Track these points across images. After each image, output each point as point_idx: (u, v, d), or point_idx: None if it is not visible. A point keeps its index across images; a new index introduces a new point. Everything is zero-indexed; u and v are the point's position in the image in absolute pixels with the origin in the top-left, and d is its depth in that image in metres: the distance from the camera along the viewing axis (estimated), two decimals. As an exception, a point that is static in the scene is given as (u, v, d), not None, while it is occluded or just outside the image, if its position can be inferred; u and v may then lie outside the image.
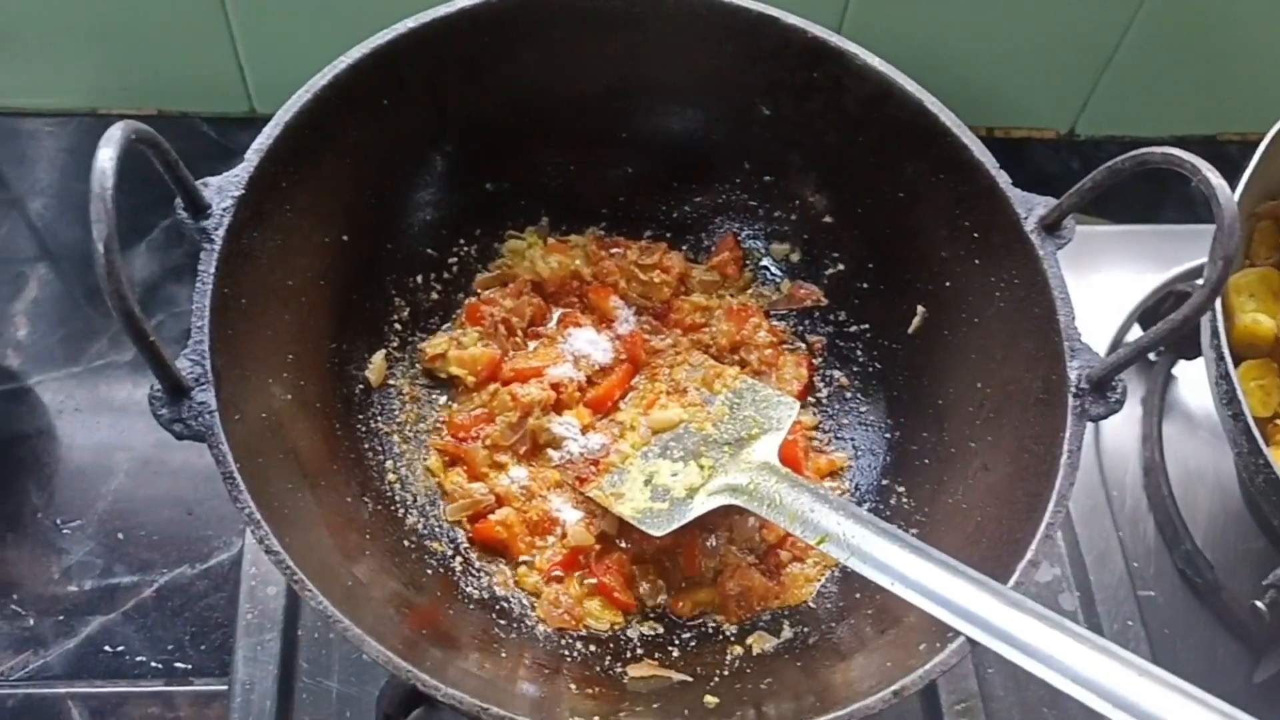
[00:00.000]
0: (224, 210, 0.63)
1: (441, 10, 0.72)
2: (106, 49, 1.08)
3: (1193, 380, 1.00)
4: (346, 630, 0.54)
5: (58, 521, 0.93)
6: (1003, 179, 0.72)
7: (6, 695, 0.85)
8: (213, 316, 0.60)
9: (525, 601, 0.75)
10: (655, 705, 0.65)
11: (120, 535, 0.93)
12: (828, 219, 0.85)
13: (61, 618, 0.89)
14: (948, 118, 0.74)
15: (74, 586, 0.90)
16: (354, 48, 0.70)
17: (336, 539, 0.65)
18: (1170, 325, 0.63)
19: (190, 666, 0.88)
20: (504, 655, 0.68)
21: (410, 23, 0.72)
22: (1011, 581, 0.60)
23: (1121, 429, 0.98)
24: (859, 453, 0.83)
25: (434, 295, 0.84)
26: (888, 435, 0.82)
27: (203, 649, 0.88)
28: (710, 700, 0.65)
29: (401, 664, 0.53)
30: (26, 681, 0.86)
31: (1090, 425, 0.97)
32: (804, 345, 0.87)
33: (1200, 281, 0.61)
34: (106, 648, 0.88)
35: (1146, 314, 1.00)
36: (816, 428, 0.85)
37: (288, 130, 0.67)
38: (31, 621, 0.88)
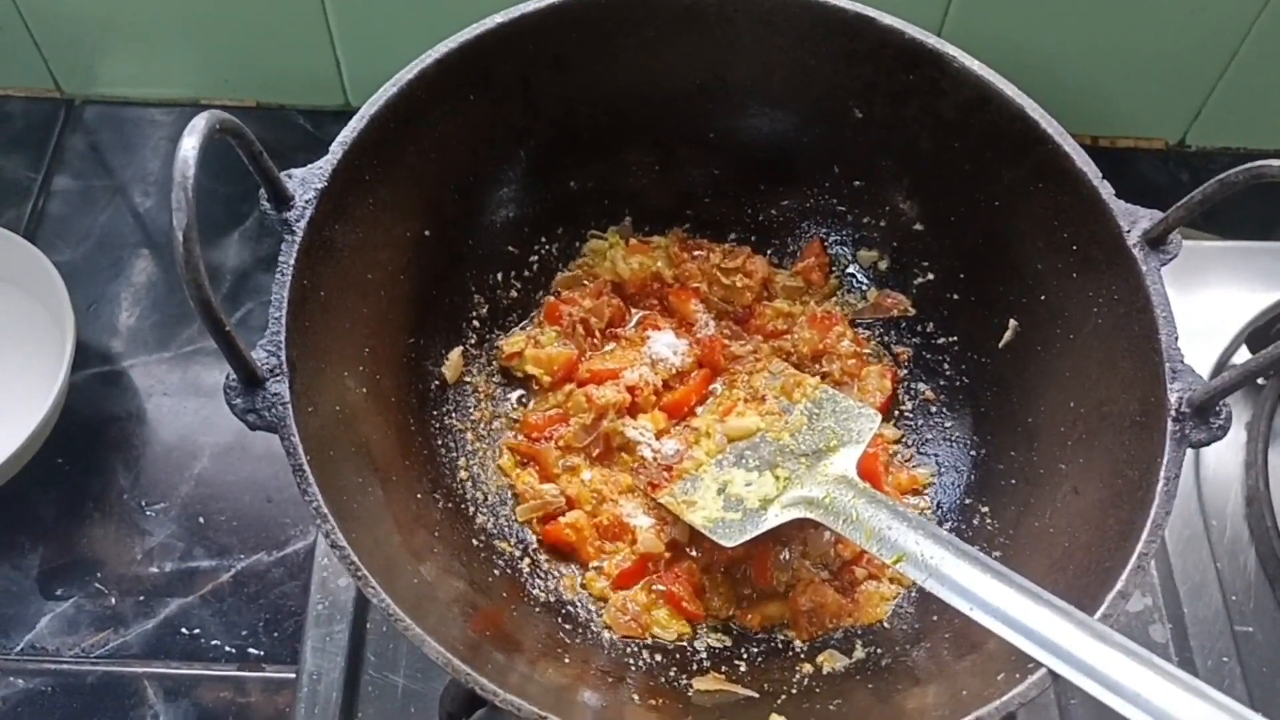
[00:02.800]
0: (306, 202, 0.63)
1: (530, 6, 0.72)
2: (210, 41, 1.11)
3: (1304, 407, 0.95)
4: (408, 629, 0.54)
5: (143, 503, 0.95)
6: (1105, 190, 0.68)
7: (87, 672, 0.87)
8: (291, 308, 0.61)
9: (592, 607, 0.74)
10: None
11: (201, 519, 0.94)
12: (918, 226, 0.82)
13: (142, 598, 0.91)
14: (1049, 125, 0.71)
15: (155, 568, 0.92)
16: (441, 43, 0.70)
17: (404, 536, 0.65)
18: (1285, 350, 0.59)
19: (262, 653, 0.89)
20: (568, 661, 0.67)
21: (499, 18, 0.71)
22: (1099, 613, 0.57)
23: (1224, 455, 0.93)
24: (942, 469, 0.80)
25: (513, 293, 0.84)
26: (973, 453, 0.79)
27: (275, 636, 0.89)
28: (777, 719, 0.63)
29: (461, 666, 0.53)
30: (107, 659, 0.88)
31: (1190, 451, 0.94)
32: (889, 356, 0.85)
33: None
34: (183, 630, 0.90)
35: (1255, 335, 0.95)
36: (899, 442, 0.82)
37: (373, 123, 0.67)
38: (113, 600, 0.91)
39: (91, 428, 0.98)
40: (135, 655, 0.88)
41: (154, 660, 0.88)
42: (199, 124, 0.52)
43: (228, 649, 0.89)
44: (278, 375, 0.58)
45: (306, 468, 0.56)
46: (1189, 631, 0.85)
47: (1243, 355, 0.96)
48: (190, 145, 0.51)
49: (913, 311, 0.85)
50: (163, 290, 1.06)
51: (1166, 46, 1.06)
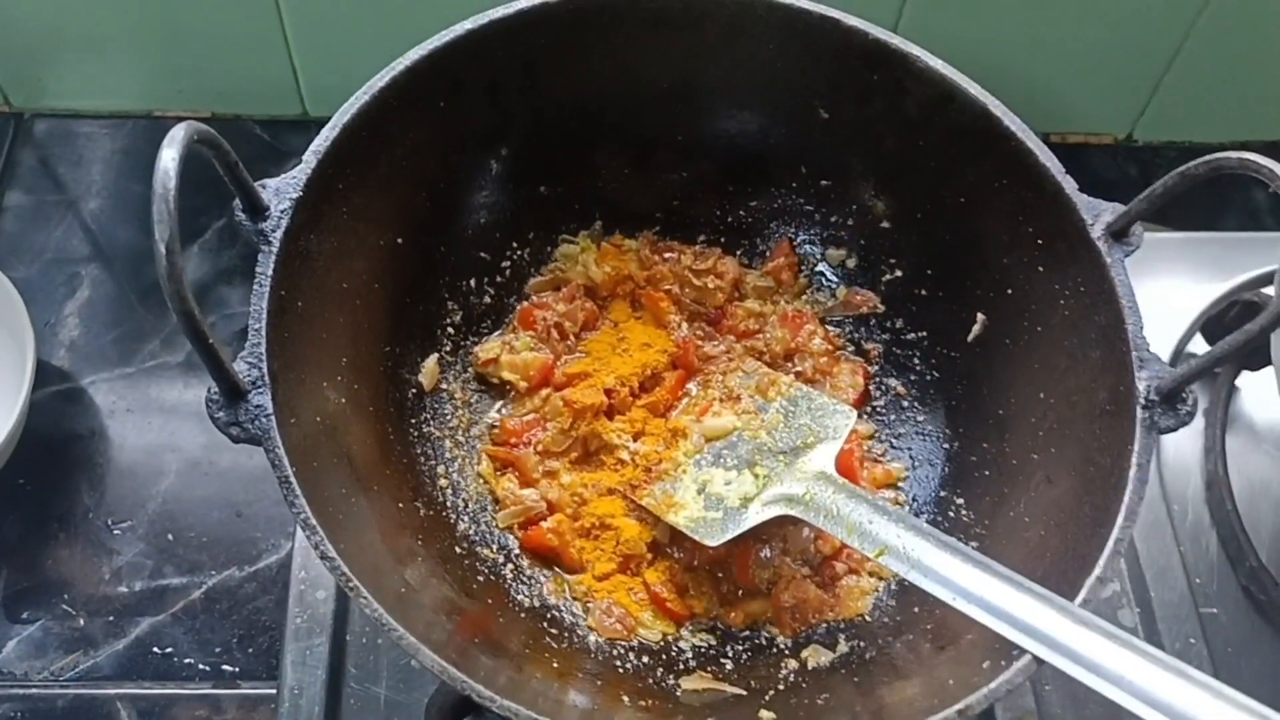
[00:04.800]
0: (282, 212, 0.63)
1: (499, 12, 0.72)
2: (162, 52, 1.09)
3: (1258, 392, 0.97)
4: (401, 638, 0.53)
5: (109, 522, 0.93)
6: (1069, 184, 0.70)
7: (57, 695, 0.86)
8: (270, 319, 0.60)
9: (577, 610, 0.75)
10: (709, 719, 0.64)
11: (170, 536, 0.93)
12: (886, 224, 0.84)
13: (111, 618, 0.89)
14: (1011, 122, 0.72)
15: (124, 587, 0.91)
16: (411, 50, 0.70)
17: (388, 543, 0.65)
18: (1246, 336, 0.61)
19: (238, 669, 0.88)
20: (555, 665, 0.67)
21: (468, 24, 0.71)
22: (1079, 598, 0.59)
23: (1183, 442, 0.96)
24: (916, 463, 0.81)
25: (487, 299, 0.84)
26: (946, 446, 0.81)
27: (250, 652, 0.88)
28: (766, 715, 0.64)
29: (457, 674, 0.53)
30: (77, 682, 0.87)
31: (1150, 438, 0.96)
32: (860, 354, 0.86)
33: (1273, 290, 0.59)
34: (155, 649, 0.88)
35: (1210, 323, 0.98)
36: (872, 437, 0.83)
37: (345, 132, 0.66)
38: (82, 622, 0.89)
39: (53, 447, 0.96)
40: (107, 676, 0.87)
41: (126, 681, 0.87)
42: (178, 135, 0.52)
43: (202, 667, 0.88)
44: (260, 387, 0.58)
45: (293, 479, 0.56)
46: (1156, 615, 0.87)
47: (1198, 343, 0.99)
48: (170, 156, 0.51)
49: (882, 308, 0.86)
50: (121, 306, 1.04)
51: (1113, 43, 1.08)
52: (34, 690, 0.86)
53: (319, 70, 1.10)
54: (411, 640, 0.53)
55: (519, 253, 0.85)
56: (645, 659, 0.72)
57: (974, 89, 0.73)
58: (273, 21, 1.04)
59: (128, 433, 0.98)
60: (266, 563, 0.92)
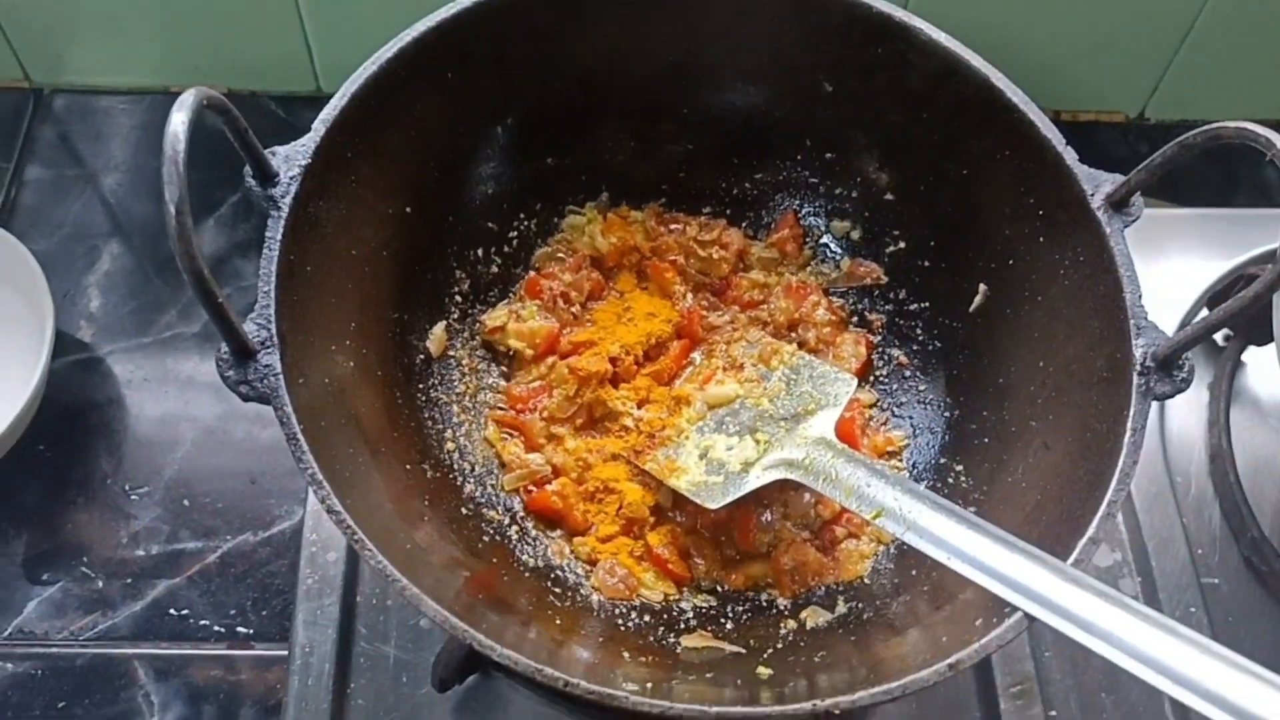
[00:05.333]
0: (291, 179, 0.64)
1: (507, -16, 0.73)
2: (179, 29, 1.11)
3: (1262, 367, 0.98)
4: (405, 589, 0.55)
5: (126, 488, 0.95)
6: (1069, 155, 0.70)
7: (76, 654, 0.88)
8: (279, 282, 0.61)
9: (580, 571, 0.76)
10: (709, 675, 0.66)
11: (185, 502, 0.95)
12: (889, 196, 0.84)
13: (129, 581, 0.91)
14: (1014, 94, 0.73)
15: (141, 551, 0.93)
16: (419, 21, 0.71)
17: (396, 504, 0.66)
18: (1240, 303, 0.62)
19: (251, 631, 0.90)
20: (559, 622, 0.69)
21: (477, -5, 0.72)
22: (1072, 558, 0.59)
23: (1188, 415, 0.96)
24: (917, 431, 0.82)
25: (494, 269, 0.85)
26: (946, 414, 0.82)
27: (264, 614, 0.90)
28: (763, 671, 0.65)
29: (459, 624, 0.54)
30: (95, 641, 0.89)
31: (1155, 411, 0.97)
32: (863, 325, 0.87)
33: (1273, 262, 0.59)
34: (171, 611, 0.90)
35: (1216, 299, 0.98)
36: (874, 405, 0.84)
37: (353, 102, 0.67)
38: (100, 584, 0.91)
39: (71, 415, 0.98)
40: (124, 637, 0.89)
41: (143, 641, 0.89)
42: (188, 99, 0.53)
43: (217, 628, 0.90)
44: (268, 347, 0.59)
45: (300, 436, 0.57)
46: (1157, 584, 0.88)
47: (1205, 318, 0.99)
48: (180, 120, 0.52)
49: (885, 280, 0.87)
50: (138, 278, 1.06)
51: (1125, 20, 1.09)
52: (54, 649, 0.88)
53: (333, 47, 1.12)
54: (415, 591, 0.55)
55: (526, 223, 0.86)
56: (647, 618, 0.73)
57: (976, 61, 0.74)
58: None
59: (145, 402, 1.00)
60: (280, 529, 0.94)
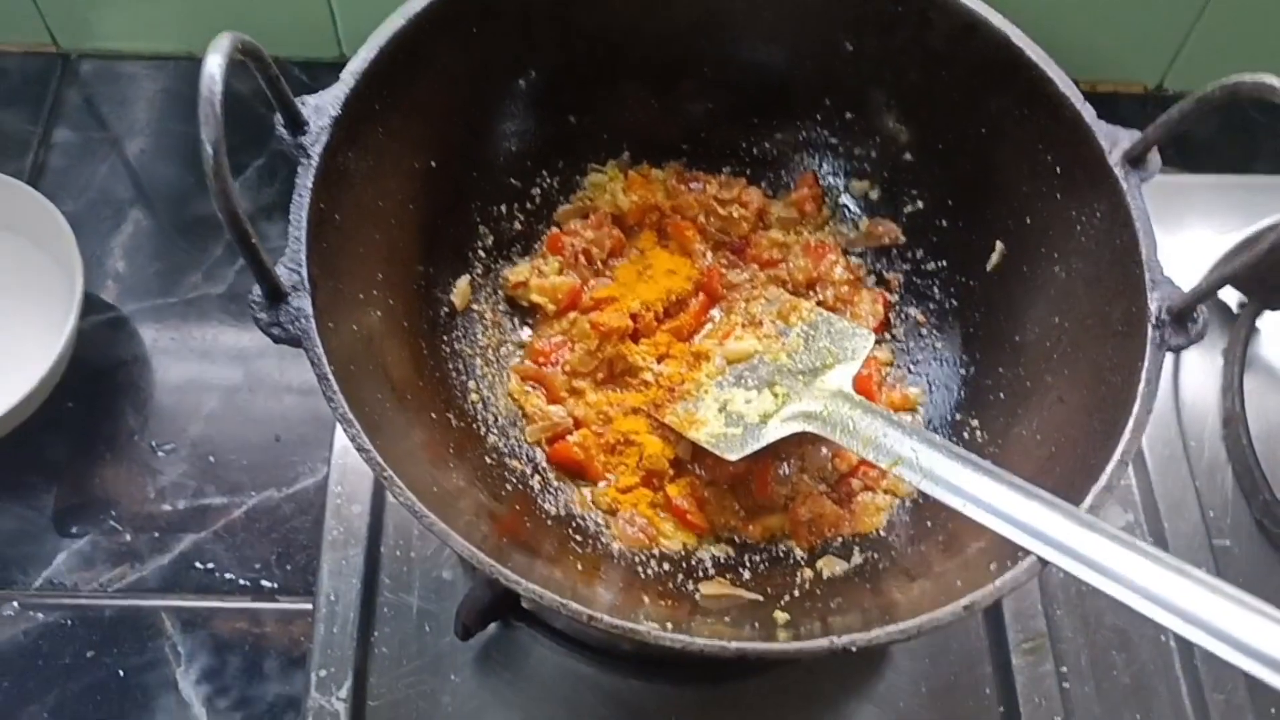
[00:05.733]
0: (321, 128, 0.65)
1: (533, -60, 0.74)
2: (203, -7, 1.12)
3: (1276, 333, 0.99)
4: (433, 525, 0.56)
5: (153, 444, 0.97)
6: (1088, 112, 0.71)
7: (105, 605, 0.90)
8: (309, 229, 0.62)
9: (600, 520, 0.77)
10: (726, 618, 0.67)
11: (211, 459, 0.97)
12: (908, 156, 0.85)
13: (156, 534, 0.93)
14: (1033, 51, 0.73)
15: (168, 505, 0.94)
16: (446, -25, 0.72)
17: (423, 451, 0.67)
18: (1256, 256, 0.62)
19: (276, 585, 0.91)
20: (580, 567, 0.70)
21: (501, -49, 0.73)
22: (1086, 504, 0.60)
23: (1202, 380, 0.97)
24: (933, 388, 0.83)
25: (517, 225, 0.86)
26: (962, 371, 0.82)
27: (288, 569, 0.92)
28: (780, 615, 0.66)
29: (486, 559, 0.55)
30: (123, 593, 0.91)
31: (1169, 375, 0.97)
32: (881, 284, 0.87)
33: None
34: (198, 564, 0.92)
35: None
36: (891, 363, 0.85)
37: (382, 54, 0.68)
38: (128, 537, 0.93)
39: (99, 373, 1.00)
40: (152, 589, 0.91)
41: (170, 594, 0.91)
42: (222, 42, 0.54)
43: (242, 582, 0.92)
44: (300, 291, 0.60)
45: (331, 377, 0.58)
46: (1170, 546, 0.89)
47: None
48: (215, 62, 0.53)
49: (904, 240, 0.87)
50: (163, 240, 1.08)
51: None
52: (83, 600, 0.90)
53: (356, 13, 1.13)
54: (443, 526, 0.56)
55: (548, 180, 0.87)
56: (666, 566, 0.75)
57: (996, 19, 0.74)
58: (312, -37, 1.07)
59: (170, 361, 1.02)
60: (303, 485, 0.96)
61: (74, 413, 0.98)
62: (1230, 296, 1.00)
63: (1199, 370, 0.97)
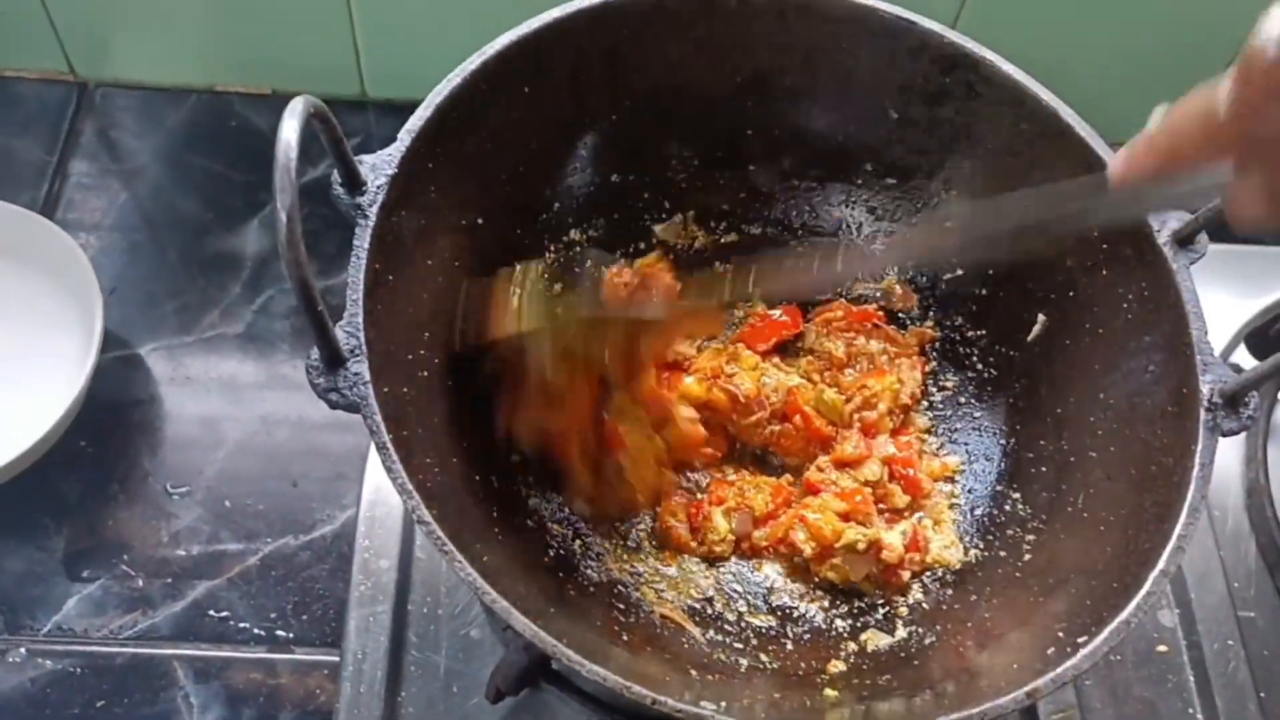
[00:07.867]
0: (378, 187, 0.64)
1: (586, 1, 0.73)
2: (226, 27, 1.11)
3: (1299, 405, 0.99)
4: (495, 602, 0.55)
5: (167, 487, 0.95)
6: (1137, 192, 0.71)
7: (115, 653, 0.88)
8: (365, 291, 0.62)
9: (639, 594, 0.76)
10: (777, 694, 0.66)
11: (227, 503, 0.95)
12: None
13: (169, 580, 0.91)
14: (1081, 128, 0.74)
15: (181, 551, 0.93)
16: (502, 35, 0.72)
17: (472, 516, 0.66)
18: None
19: (292, 635, 0.89)
20: (626, 638, 0.69)
21: (555, 13, 0.73)
22: (1144, 590, 0.60)
23: (1225, 450, 0.96)
24: (973, 458, 0.83)
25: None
26: (1003, 442, 0.82)
27: (304, 619, 0.90)
28: (830, 694, 0.66)
29: (549, 639, 0.54)
30: (135, 641, 0.88)
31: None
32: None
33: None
34: (211, 612, 0.90)
35: (1254, 335, 1.00)
36: (930, 431, 0.85)
37: (438, 112, 0.68)
38: (140, 582, 0.91)
39: (114, 412, 0.98)
40: (164, 637, 0.89)
41: (183, 642, 0.89)
42: (297, 107, 0.54)
43: (257, 631, 0.90)
44: (358, 355, 0.59)
45: (389, 445, 0.57)
46: (1196, 617, 0.89)
47: (1242, 354, 1.01)
48: (291, 128, 0.52)
49: (916, 312, 0.88)
50: (181, 277, 1.06)
51: (1172, 49, 1.09)
52: (93, 647, 0.88)
53: (381, 53, 1.12)
54: (504, 605, 0.55)
55: (592, 236, 0.86)
56: (711, 633, 0.74)
57: (1045, 95, 0.75)
58: (340, 1, 1.06)
59: (186, 401, 1.00)
60: (321, 533, 0.94)
61: (87, 452, 0.96)
62: (1248, 363, 1.01)
63: (1223, 441, 0.97)
